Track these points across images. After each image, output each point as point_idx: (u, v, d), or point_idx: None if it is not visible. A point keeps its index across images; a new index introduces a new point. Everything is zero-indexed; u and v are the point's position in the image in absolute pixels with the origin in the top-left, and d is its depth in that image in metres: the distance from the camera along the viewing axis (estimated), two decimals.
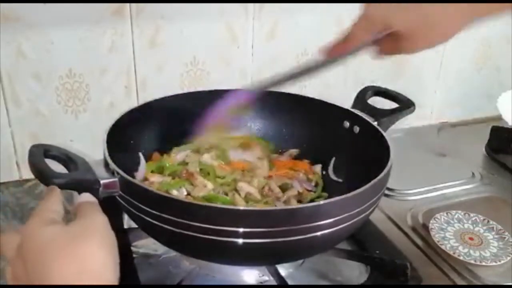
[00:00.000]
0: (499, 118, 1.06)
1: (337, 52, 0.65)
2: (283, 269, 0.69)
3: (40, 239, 0.44)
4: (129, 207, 0.59)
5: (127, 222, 0.79)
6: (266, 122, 0.86)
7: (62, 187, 0.54)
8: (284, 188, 0.77)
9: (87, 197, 0.53)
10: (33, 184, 0.93)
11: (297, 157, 0.85)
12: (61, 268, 0.41)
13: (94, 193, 0.56)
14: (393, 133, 0.76)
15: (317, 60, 0.66)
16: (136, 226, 0.66)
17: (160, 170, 0.78)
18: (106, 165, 0.61)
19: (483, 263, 0.77)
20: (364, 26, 0.62)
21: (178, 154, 0.80)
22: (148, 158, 0.80)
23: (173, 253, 0.73)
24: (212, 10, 0.94)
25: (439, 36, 0.61)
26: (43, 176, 0.55)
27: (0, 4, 0.80)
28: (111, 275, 0.43)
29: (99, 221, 0.46)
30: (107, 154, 0.63)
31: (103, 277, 0.42)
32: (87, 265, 0.42)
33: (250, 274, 0.70)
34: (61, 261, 0.42)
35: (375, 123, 0.76)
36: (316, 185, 0.80)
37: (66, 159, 0.60)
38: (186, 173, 0.75)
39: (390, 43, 0.62)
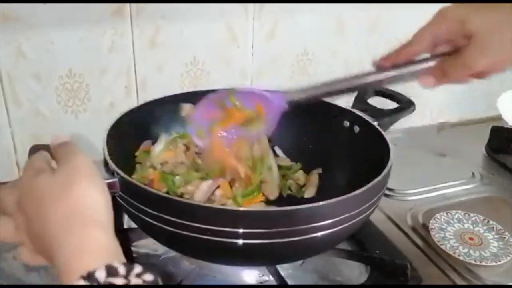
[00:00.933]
0: (499, 118, 1.06)
1: (398, 59, 0.60)
2: (283, 269, 0.69)
3: (34, 188, 0.46)
4: (129, 207, 0.59)
5: (127, 222, 0.79)
6: None
7: None
8: None
9: (60, 138, 0.53)
10: None
11: (296, 158, 0.85)
12: (56, 213, 0.43)
13: None
14: (393, 133, 0.76)
15: (366, 73, 0.61)
16: (136, 226, 0.66)
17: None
18: (106, 165, 0.61)
19: (483, 263, 0.77)
20: (433, 26, 0.58)
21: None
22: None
23: (173, 253, 0.73)
24: (212, 10, 0.94)
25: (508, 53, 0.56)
26: None
27: (0, 4, 0.80)
28: (104, 212, 0.44)
29: (82, 163, 0.47)
30: (107, 154, 0.63)
31: (96, 216, 0.43)
32: (79, 206, 0.43)
33: (250, 274, 0.70)
34: (55, 206, 0.43)
35: (375, 123, 0.76)
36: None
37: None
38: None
39: (452, 59, 0.58)
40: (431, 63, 0.60)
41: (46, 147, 0.60)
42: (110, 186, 0.58)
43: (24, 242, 0.47)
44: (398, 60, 0.60)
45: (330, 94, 0.64)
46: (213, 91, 0.80)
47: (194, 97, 0.82)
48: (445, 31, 0.58)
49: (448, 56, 0.59)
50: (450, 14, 0.58)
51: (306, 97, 0.64)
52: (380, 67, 0.61)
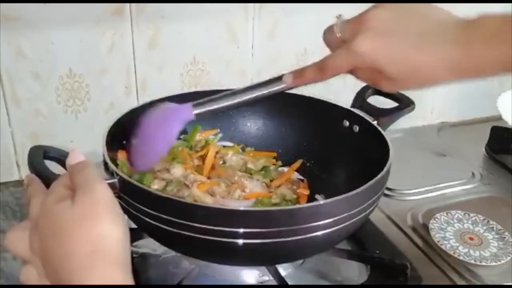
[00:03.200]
0: (499, 118, 1.06)
1: (308, 79, 0.59)
2: (283, 269, 0.69)
3: (54, 217, 0.45)
4: (129, 208, 0.59)
5: (127, 222, 0.78)
6: (266, 121, 0.86)
7: None
8: None
9: (76, 157, 0.50)
10: None
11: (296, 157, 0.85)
12: (77, 249, 0.42)
13: None
14: (393, 133, 0.76)
15: (279, 83, 0.60)
16: (136, 226, 0.66)
17: None
18: (106, 165, 0.61)
19: (483, 263, 0.77)
20: (348, 60, 0.55)
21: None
22: None
23: (173, 253, 0.73)
24: (212, 10, 0.94)
25: (419, 82, 0.55)
26: (43, 177, 0.55)
27: (0, 4, 0.80)
28: (124, 249, 0.44)
29: (103, 194, 0.45)
30: (106, 154, 0.63)
31: (116, 253, 0.43)
32: (101, 243, 0.43)
33: (250, 274, 0.70)
34: (76, 242, 0.43)
35: (374, 122, 0.76)
36: None
37: (66, 160, 0.60)
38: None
39: (369, 73, 0.56)
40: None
41: (46, 148, 0.60)
42: (110, 186, 0.58)
43: (33, 262, 0.46)
44: (308, 79, 0.60)
45: (235, 105, 0.64)
46: (212, 91, 0.81)
47: (194, 97, 0.82)
48: (361, 65, 0.56)
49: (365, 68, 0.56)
50: (367, 56, 0.54)
51: (213, 109, 0.63)
52: (289, 80, 0.60)
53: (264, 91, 0.62)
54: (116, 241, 0.44)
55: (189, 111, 0.62)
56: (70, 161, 0.50)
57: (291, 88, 0.61)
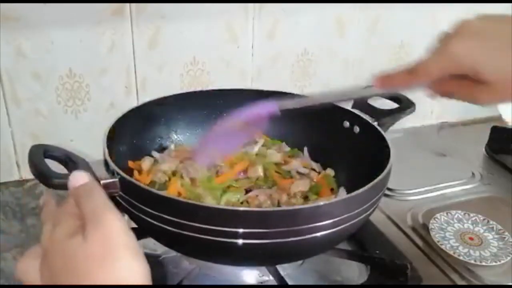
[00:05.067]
0: (499, 118, 1.06)
1: (395, 84, 0.57)
2: (283, 269, 0.69)
3: (64, 254, 0.41)
4: (129, 208, 0.59)
5: (127, 222, 0.78)
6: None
7: (61, 187, 0.54)
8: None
9: (80, 179, 0.46)
10: (33, 184, 0.93)
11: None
12: (95, 282, 0.39)
13: None
14: (393, 133, 0.76)
15: (367, 89, 0.60)
16: (136, 226, 0.66)
17: None
18: (106, 165, 0.61)
19: (483, 263, 0.77)
20: (442, 63, 0.53)
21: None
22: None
23: (173, 253, 0.73)
24: (212, 10, 0.94)
25: None
26: (43, 176, 0.55)
27: (0, 4, 0.80)
28: (145, 281, 0.41)
29: (116, 227, 0.41)
30: (107, 154, 0.63)
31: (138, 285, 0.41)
32: (122, 279, 0.40)
33: (250, 274, 0.70)
34: (93, 281, 0.39)
35: (375, 123, 0.76)
36: None
37: (66, 159, 0.60)
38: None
39: (463, 87, 0.53)
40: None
41: (46, 147, 0.60)
42: (110, 186, 0.58)
43: None
44: (397, 84, 0.58)
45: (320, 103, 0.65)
46: (213, 91, 0.81)
47: (194, 97, 0.83)
48: (455, 70, 0.53)
49: (458, 81, 0.54)
50: (462, 56, 0.52)
51: (298, 106, 0.64)
52: (377, 84, 0.58)
53: (353, 96, 0.64)
54: (139, 277, 0.40)
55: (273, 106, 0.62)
56: (73, 183, 0.46)
57: (379, 94, 0.60)
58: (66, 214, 0.44)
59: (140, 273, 0.40)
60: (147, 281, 0.41)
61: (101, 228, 0.41)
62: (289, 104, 0.64)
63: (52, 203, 0.48)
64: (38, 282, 0.43)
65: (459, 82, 0.54)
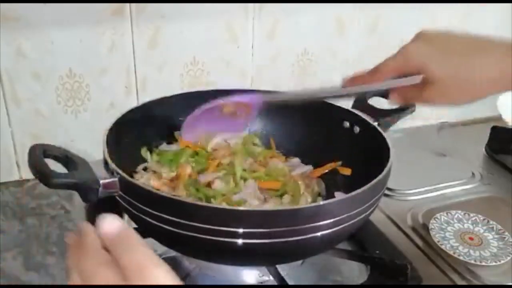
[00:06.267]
0: (499, 118, 1.06)
1: (359, 82, 0.66)
2: (283, 269, 0.69)
3: (102, 281, 0.37)
4: (129, 207, 0.59)
5: (127, 222, 0.78)
6: (266, 121, 0.86)
7: (61, 187, 0.54)
8: None
9: (113, 224, 0.39)
10: (33, 184, 0.93)
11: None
12: None
13: (94, 193, 0.56)
14: (393, 133, 0.76)
15: (334, 88, 0.67)
16: (136, 226, 0.66)
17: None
18: (106, 165, 0.61)
19: (483, 263, 0.77)
20: (398, 63, 0.63)
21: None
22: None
23: (173, 253, 0.73)
24: (212, 10, 0.94)
25: (468, 96, 0.63)
26: (43, 176, 0.55)
27: (0, 4, 0.81)
28: None
29: (167, 282, 0.37)
30: (107, 154, 0.63)
31: None
32: None
33: (250, 274, 0.70)
34: None
35: (375, 123, 0.76)
36: None
37: (66, 159, 0.60)
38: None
39: (413, 91, 0.63)
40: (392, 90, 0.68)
41: (45, 146, 0.60)
42: (110, 186, 0.58)
43: None
44: (361, 82, 0.67)
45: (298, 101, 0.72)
46: (213, 91, 0.81)
47: (194, 97, 0.82)
48: (407, 69, 0.64)
49: (411, 87, 0.64)
50: (412, 55, 0.63)
51: (280, 100, 0.72)
52: (346, 84, 0.68)
53: (324, 94, 0.70)
54: None
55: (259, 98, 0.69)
56: (104, 228, 0.39)
57: (351, 94, 0.70)
58: (102, 266, 0.38)
59: None
60: None
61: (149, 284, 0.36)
62: (273, 97, 0.71)
63: (93, 246, 0.39)
64: None
65: (413, 87, 0.64)
